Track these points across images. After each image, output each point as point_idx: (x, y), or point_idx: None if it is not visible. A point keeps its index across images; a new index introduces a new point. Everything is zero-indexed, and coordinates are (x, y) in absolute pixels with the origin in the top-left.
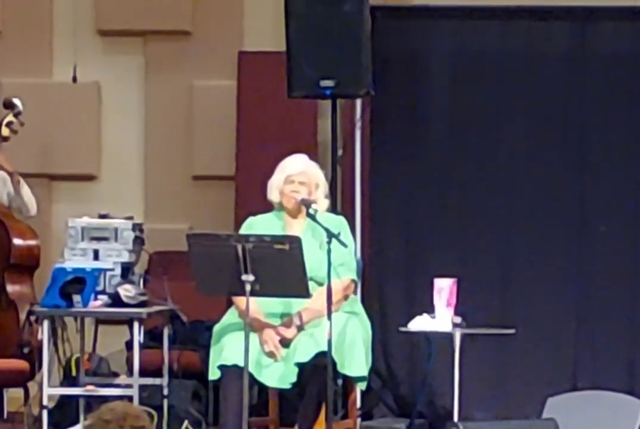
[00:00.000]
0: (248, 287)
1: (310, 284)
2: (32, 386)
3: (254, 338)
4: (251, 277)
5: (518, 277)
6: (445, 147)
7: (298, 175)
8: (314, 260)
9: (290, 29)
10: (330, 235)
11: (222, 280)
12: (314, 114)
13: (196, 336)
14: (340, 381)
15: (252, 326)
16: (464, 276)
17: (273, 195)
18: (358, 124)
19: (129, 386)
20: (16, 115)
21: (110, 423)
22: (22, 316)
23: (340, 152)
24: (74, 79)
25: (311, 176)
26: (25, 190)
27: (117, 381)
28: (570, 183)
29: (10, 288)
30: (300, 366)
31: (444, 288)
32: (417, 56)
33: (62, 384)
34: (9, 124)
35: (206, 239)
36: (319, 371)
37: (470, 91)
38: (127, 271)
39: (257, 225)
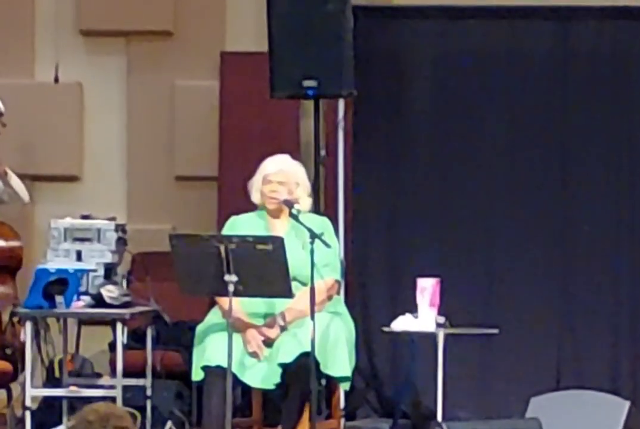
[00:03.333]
0: (231, 288)
1: (294, 284)
2: (15, 387)
3: (237, 338)
4: (234, 278)
5: (501, 277)
6: (428, 148)
7: (275, 174)
8: (297, 260)
9: (272, 29)
10: (313, 235)
11: (205, 280)
12: (297, 115)
13: (179, 336)
14: (323, 382)
15: (235, 326)
16: (447, 276)
17: (254, 197)
18: (341, 125)
19: (112, 387)
20: None
21: (93, 423)
22: (5, 317)
23: (323, 152)
24: (56, 79)
25: (290, 174)
26: (14, 180)
27: (100, 382)
28: (552, 182)
29: None
30: (284, 366)
31: (427, 288)
32: (399, 56)
33: (45, 386)
34: None
35: (189, 240)
36: (302, 371)
37: (453, 91)
38: (109, 271)
39: (240, 225)
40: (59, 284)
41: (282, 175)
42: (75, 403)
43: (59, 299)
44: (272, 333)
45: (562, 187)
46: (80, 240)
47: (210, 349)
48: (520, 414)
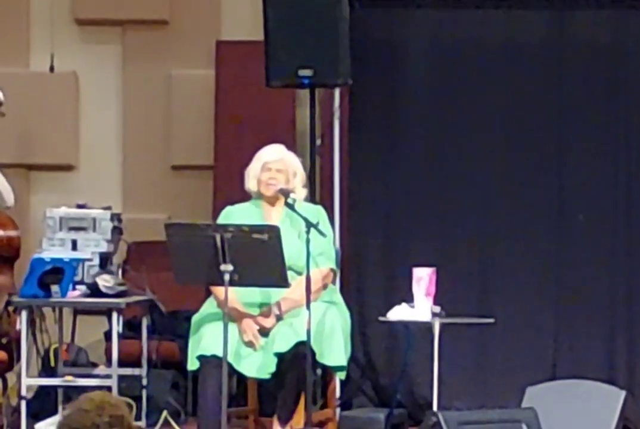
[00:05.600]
0: (227, 277)
1: (289, 273)
2: (10, 376)
3: (232, 328)
4: (230, 267)
5: (497, 267)
6: (424, 137)
7: (275, 162)
8: (292, 249)
9: (268, 18)
10: (309, 224)
11: (200, 270)
12: (292, 104)
13: (175, 326)
14: (319, 371)
15: (231, 316)
16: (443, 265)
17: (250, 184)
18: (336, 114)
19: (107, 376)
20: None
21: (88, 412)
22: (1, 307)
23: (318, 142)
24: (52, 69)
25: (288, 163)
26: (1, 182)
27: (96, 371)
28: (548, 172)
29: None
30: (280, 356)
31: (423, 278)
32: (395, 45)
33: (40, 375)
34: None
35: (185, 229)
36: (298, 360)
37: (449, 80)
38: (105, 261)
39: (235, 214)
40: (55, 274)
41: (281, 163)
42: (71, 393)
43: (54, 288)
44: (267, 322)
45: (558, 178)
46: (75, 229)
47: (206, 339)
48: (516, 404)
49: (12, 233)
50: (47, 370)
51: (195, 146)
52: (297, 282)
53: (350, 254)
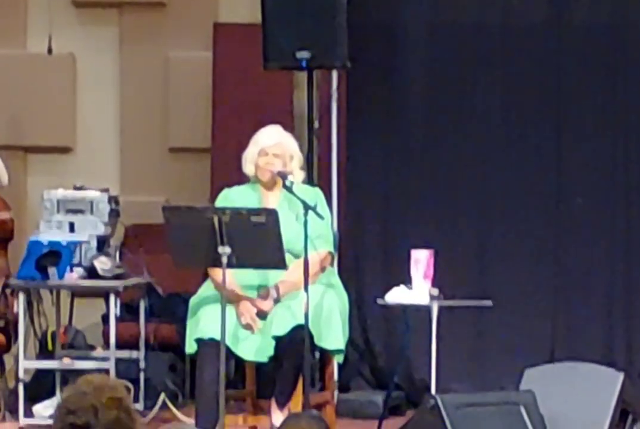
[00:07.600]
0: (224, 260)
1: (287, 256)
2: (7, 359)
3: (230, 310)
4: (228, 250)
5: (495, 249)
6: (422, 119)
7: (272, 147)
8: (290, 232)
9: (265, 0)
10: (307, 207)
11: (198, 252)
12: (290, 86)
13: (172, 308)
14: (317, 354)
15: (228, 298)
16: (441, 247)
17: (248, 168)
18: (334, 96)
19: (105, 359)
20: None
21: (87, 394)
22: None
23: (316, 124)
24: (49, 51)
25: (285, 147)
26: None
27: (94, 354)
28: (547, 155)
29: None
30: (277, 339)
31: (421, 260)
32: (393, 27)
33: (38, 358)
34: None
35: (182, 212)
36: (296, 343)
37: (447, 63)
38: (102, 243)
39: (233, 197)
40: (52, 256)
41: (278, 148)
42: (68, 375)
43: (51, 270)
44: (265, 305)
45: (556, 160)
46: (73, 211)
47: (204, 322)
48: (514, 386)
49: (4, 215)
50: (45, 353)
51: (193, 128)
52: (295, 265)
53: (348, 237)
